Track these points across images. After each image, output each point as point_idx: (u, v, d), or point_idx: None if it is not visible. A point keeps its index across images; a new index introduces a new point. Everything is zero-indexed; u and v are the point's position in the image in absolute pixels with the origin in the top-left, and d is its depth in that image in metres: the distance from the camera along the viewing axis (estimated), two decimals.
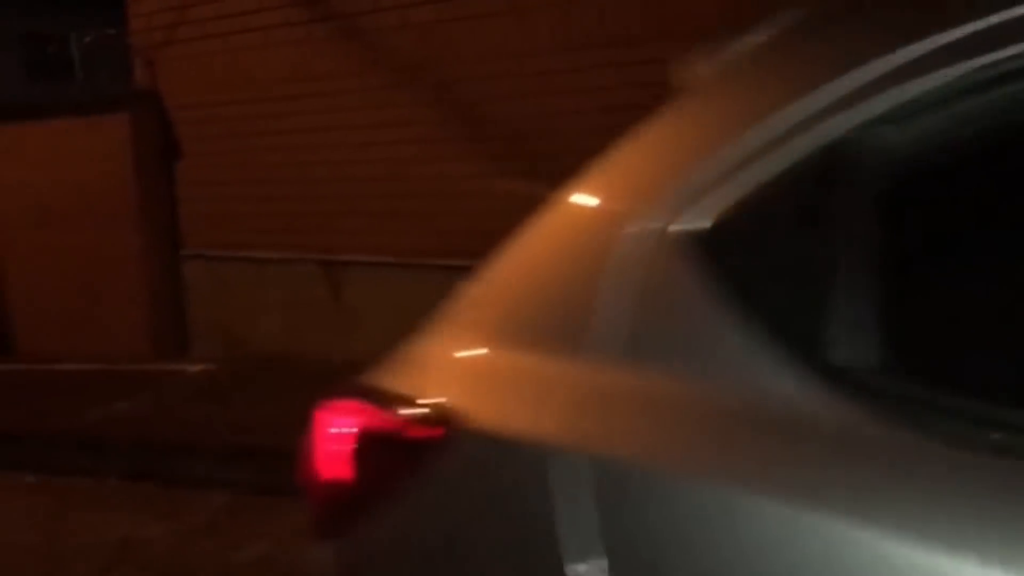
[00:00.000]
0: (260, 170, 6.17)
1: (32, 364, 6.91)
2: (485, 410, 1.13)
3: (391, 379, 1.31)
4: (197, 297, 6.65)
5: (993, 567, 0.76)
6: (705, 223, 1.00)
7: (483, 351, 1.23)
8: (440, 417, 1.14)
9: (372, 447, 1.23)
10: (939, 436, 0.82)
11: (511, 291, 1.26)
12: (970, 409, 0.84)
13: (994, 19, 0.86)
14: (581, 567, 0.95)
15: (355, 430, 1.25)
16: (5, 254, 7.52)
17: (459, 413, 1.12)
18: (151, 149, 6.67)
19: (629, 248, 1.05)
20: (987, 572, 0.76)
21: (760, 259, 0.98)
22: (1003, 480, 0.78)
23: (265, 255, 6.25)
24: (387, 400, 1.24)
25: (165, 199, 6.69)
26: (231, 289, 6.45)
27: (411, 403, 1.19)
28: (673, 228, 1.02)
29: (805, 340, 0.90)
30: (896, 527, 0.79)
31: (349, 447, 1.24)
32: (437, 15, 5.44)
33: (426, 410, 1.17)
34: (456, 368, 1.26)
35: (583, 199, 1.22)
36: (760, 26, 1.14)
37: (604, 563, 0.94)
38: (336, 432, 1.27)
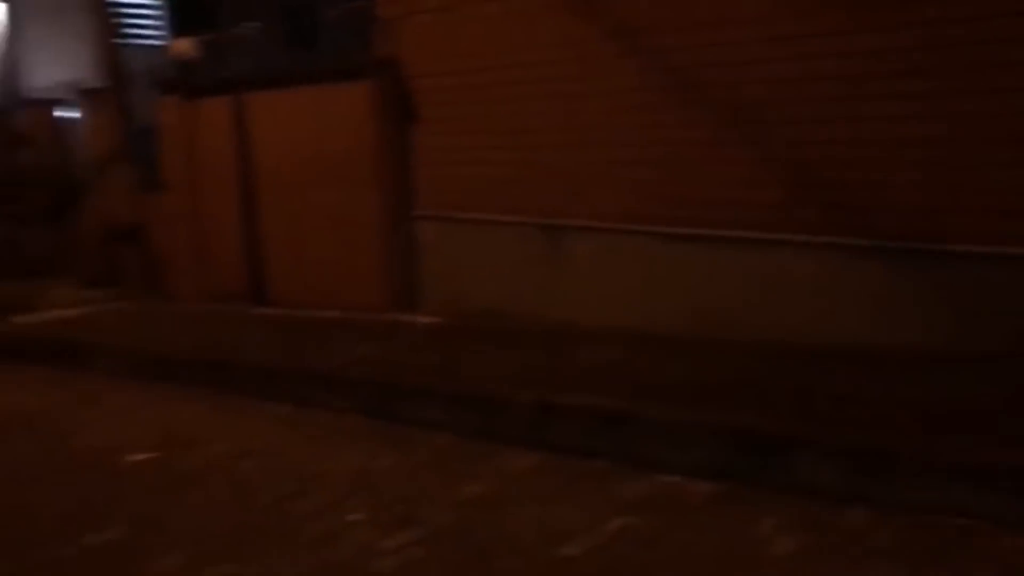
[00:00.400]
0: (490, 136, 6.48)
1: (284, 310, 7.68)
2: None
3: None
4: (428, 255, 7.08)
5: None
6: None
7: None
8: None
9: None
10: None
11: None
12: None
13: None
14: None
15: None
16: (265, 211, 8.34)
17: None
18: (391, 115, 7.13)
19: None
20: None
21: None
22: None
23: (491, 217, 6.57)
24: None
25: (402, 163, 7.15)
26: (459, 249, 6.83)
27: None
28: None
29: None
30: None
31: None
32: None
33: None
34: None
35: None
36: None
37: None
38: None
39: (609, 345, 5.36)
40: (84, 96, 11.12)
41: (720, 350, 5.04)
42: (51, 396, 6.13)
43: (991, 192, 4.56)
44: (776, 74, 5.10)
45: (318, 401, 5.16)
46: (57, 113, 12.05)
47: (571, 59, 5.99)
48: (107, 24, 9.47)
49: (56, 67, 13.57)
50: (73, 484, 4.33)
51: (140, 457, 4.64)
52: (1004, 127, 4.49)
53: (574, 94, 6.00)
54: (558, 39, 6.03)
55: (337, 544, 3.40)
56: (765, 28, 5.13)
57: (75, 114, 11.92)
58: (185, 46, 9.63)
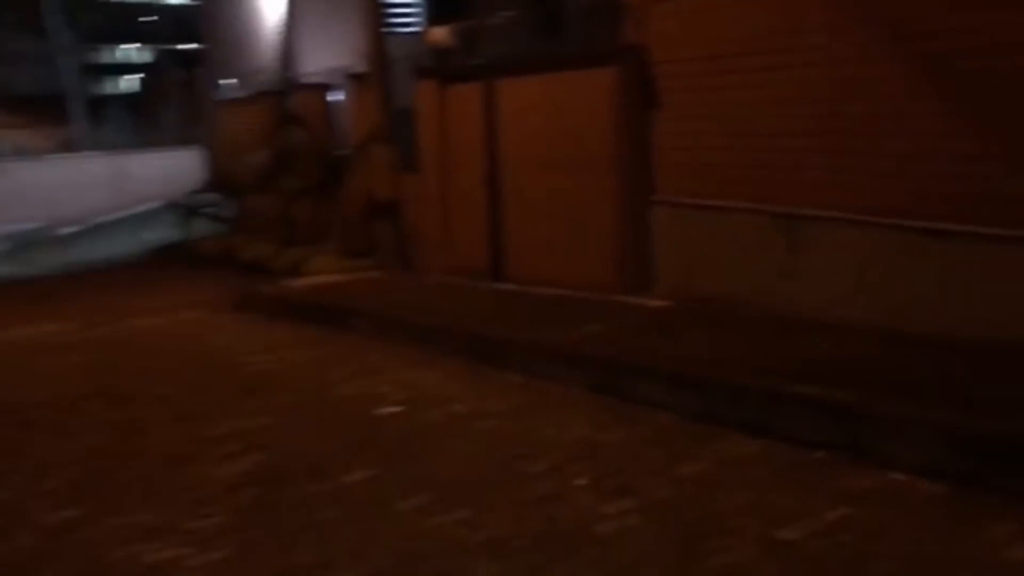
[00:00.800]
0: (730, 124, 6.47)
1: (520, 286, 8.07)
2: None
3: None
4: (662, 240, 7.18)
5: None
6: None
7: None
8: None
9: None
10: None
11: None
12: None
13: None
14: None
15: None
16: (507, 192, 8.76)
17: None
18: (633, 101, 7.27)
19: None
20: None
21: None
22: None
23: (726, 204, 6.56)
24: None
25: (641, 148, 7.27)
26: (692, 235, 6.88)
27: None
28: None
29: None
30: None
31: None
32: None
33: None
34: None
35: None
36: None
37: None
38: None
39: (841, 337, 5.26)
40: (351, 81, 12.08)
41: (960, 348, 4.81)
42: (311, 352, 6.83)
43: None
44: None
45: (548, 373, 5.44)
46: (327, 97, 13.18)
47: (820, 46, 5.87)
48: (374, 14, 10.25)
49: (327, 54, 14.78)
50: (330, 430, 4.86)
51: (389, 410, 5.12)
52: None
53: (821, 80, 5.88)
54: (811, 26, 5.92)
55: (561, 504, 3.64)
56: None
57: (341, 97, 12.98)
58: (441, 34, 10.24)
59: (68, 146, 30.67)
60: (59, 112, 32.40)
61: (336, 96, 13.25)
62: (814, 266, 5.96)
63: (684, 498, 3.64)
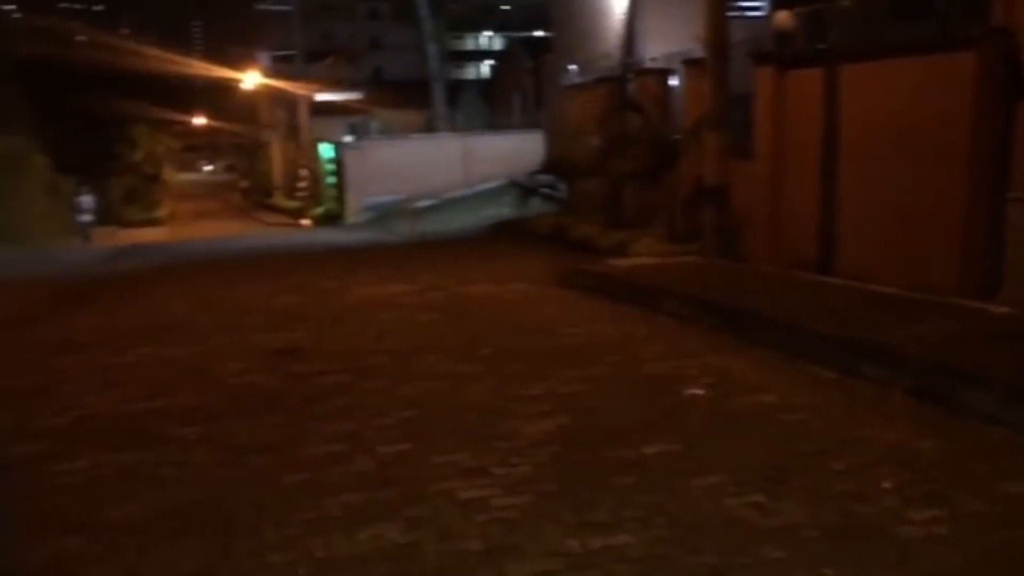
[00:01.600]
0: None
1: (847, 281, 7.70)
2: None
3: None
4: (1016, 242, 6.51)
5: None
6: None
7: None
8: None
9: None
10: None
11: None
12: None
13: None
14: None
15: None
16: (843, 182, 8.37)
17: None
18: (994, 89, 6.65)
19: None
20: None
21: None
22: None
23: None
24: None
25: (999, 140, 6.63)
26: None
27: None
28: None
29: None
30: None
31: None
32: None
33: None
34: None
35: None
36: None
37: None
38: None
39: None
40: (687, 65, 12.12)
41: None
42: (625, 329, 7.02)
43: None
44: None
45: (864, 372, 5.18)
46: (666, 82, 13.31)
47: None
48: (720, 15, 10.13)
49: (668, 39, 14.90)
50: (636, 403, 5.01)
51: (695, 391, 5.17)
52: None
53: None
54: None
55: (861, 503, 3.49)
56: None
57: (677, 82, 13.05)
58: (785, 18, 9.96)
59: (427, 127, 33.57)
60: (422, 96, 35.50)
61: (674, 81, 13.34)
62: None
63: (1005, 517, 3.34)
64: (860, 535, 3.23)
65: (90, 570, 3.30)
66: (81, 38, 38.01)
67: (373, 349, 6.75)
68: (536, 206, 16.72)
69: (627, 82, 14.40)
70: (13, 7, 37.77)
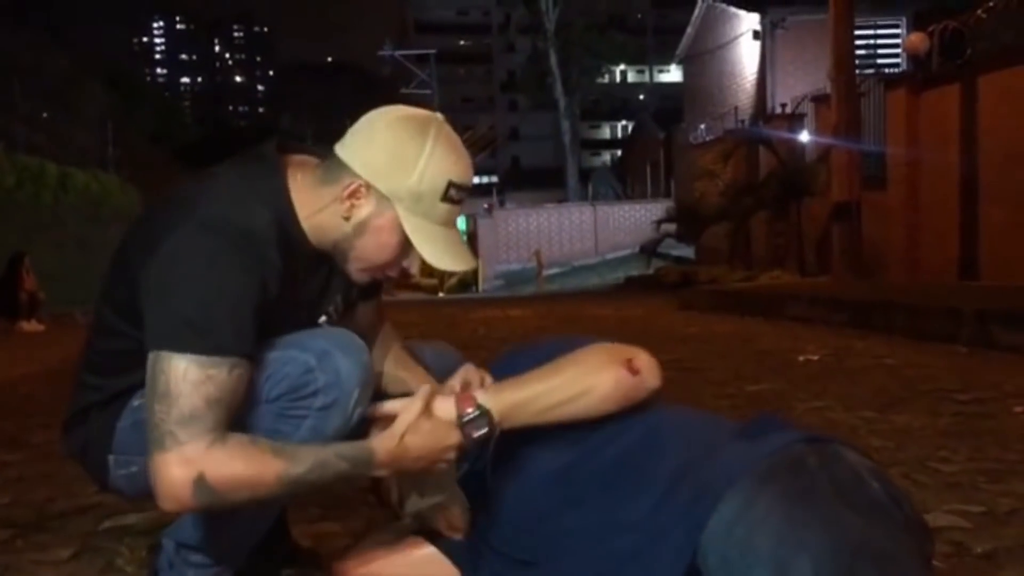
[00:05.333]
0: None
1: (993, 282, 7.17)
2: None
3: None
4: None
5: None
6: None
7: None
8: None
9: None
10: None
11: None
12: None
13: None
14: None
15: None
16: (986, 189, 7.90)
17: None
18: None
19: None
20: None
21: None
22: None
23: None
24: None
25: None
26: None
27: None
28: None
29: None
30: None
31: None
32: None
33: None
34: None
35: None
36: None
37: None
38: None
39: None
40: (817, 102, 11.85)
41: None
42: (745, 325, 6.73)
43: None
44: None
45: (999, 341, 4.73)
46: (791, 124, 13.06)
47: None
48: (845, 36, 9.90)
49: (798, 85, 14.68)
50: (747, 364, 4.73)
51: (810, 357, 4.84)
52: None
53: None
54: None
55: (982, 412, 3.13)
56: None
57: (805, 122, 12.77)
58: (918, 40, 9.64)
59: (559, 200, 34.00)
60: (556, 180, 36.19)
61: (799, 123, 13.08)
62: None
63: None
64: (973, 433, 2.87)
65: None
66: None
67: (471, 333, 6.71)
68: (663, 265, 16.52)
69: (753, 131, 14.20)
70: None
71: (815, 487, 1.19)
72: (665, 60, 49.39)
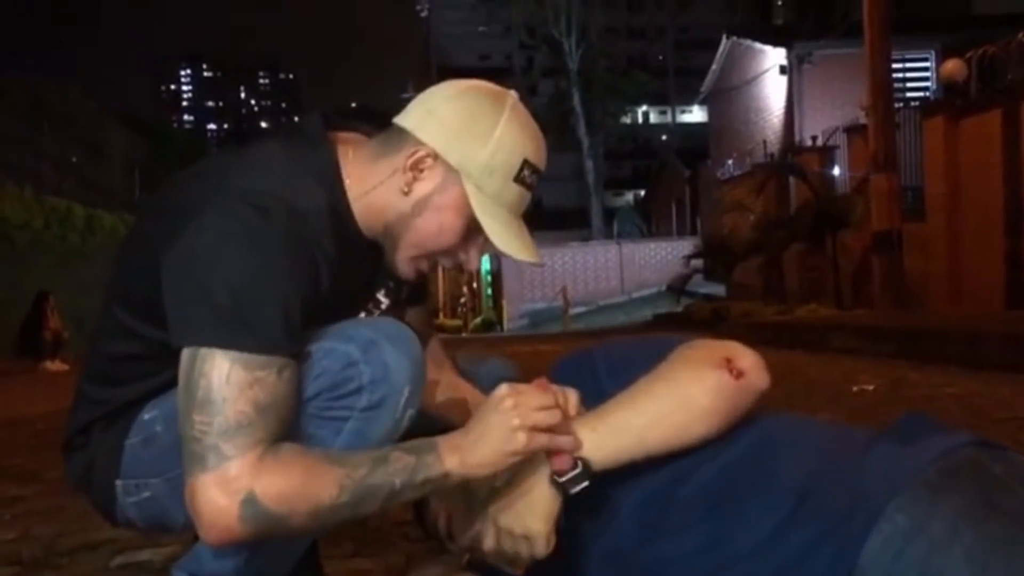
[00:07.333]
0: None
1: None
2: None
3: None
4: None
5: None
6: None
7: None
8: None
9: None
10: None
11: None
12: None
13: None
14: None
15: None
16: None
17: None
18: None
19: None
20: None
21: None
22: None
23: None
24: None
25: None
26: None
27: None
28: None
29: None
30: None
31: None
32: None
33: None
34: None
35: None
36: None
37: None
38: None
39: None
40: (849, 133, 11.65)
41: None
42: (786, 357, 6.43)
43: None
44: None
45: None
46: (823, 156, 12.86)
47: None
48: (880, 65, 9.70)
49: (827, 116, 14.51)
50: (796, 394, 4.48)
51: (864, 387, 4.59)
52: None
53: None
54: None
55: None
56: None
57: (838, 154, 12.57)
58: (955, 67, 9.44)
59: (584, 239, 33.88)
60: (580, 220, 36.09)
61: (831, 155, 12.88)
62: None
63: None
64: None
65: None
66: None
67: None
68: (692, 303, 16.25)
69: (783, 164, 14.00)
70: None
71: (1009, 498, 0.96)
72: (687, 100, 49.65)
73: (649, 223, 35.80)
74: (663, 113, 60.87)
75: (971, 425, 3.29)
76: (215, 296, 1.05)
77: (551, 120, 40.05)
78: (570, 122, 35.51)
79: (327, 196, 1.17)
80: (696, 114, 49.18)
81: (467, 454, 1.08)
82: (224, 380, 1.03)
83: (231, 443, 1.02)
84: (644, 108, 55.23)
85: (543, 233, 40.12)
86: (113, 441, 1.24)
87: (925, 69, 15.68)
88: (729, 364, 1.17)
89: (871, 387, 4.56)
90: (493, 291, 27.98)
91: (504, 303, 26.90)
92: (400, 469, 1.06)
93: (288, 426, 1.07)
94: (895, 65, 11.43)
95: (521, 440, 1.08)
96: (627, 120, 46.91)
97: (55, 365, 10.13)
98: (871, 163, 8.97)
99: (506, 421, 1.08)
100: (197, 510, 1.03)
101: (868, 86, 9.24)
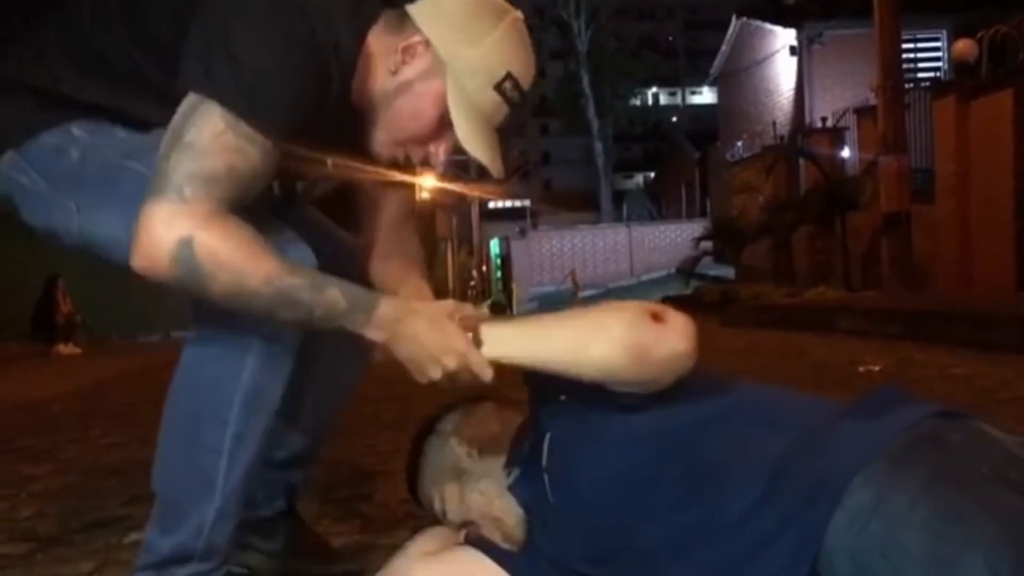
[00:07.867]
0: None
1: None
2: None
3: None
4: None
5: None
6: None
7: None
8: None
9: None
10: None
11: None
12: None
13: None
14: None
15: None
16: None
17: None
18: None
19: None
20: None
21: None
22: None
23: None
24: None
25: None
26: None
27: None
28: None
29: None
30: None
31: None
32: None
33: None
34: None
35: None
36: None
37: None
38: None
39: None
40: (859, 114, 11.59)
41: None
42: (794, 338, 6.49)
43: None
44: None
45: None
46: (832, 137, 12.79)
47: None
48: (890, 44, 9.65)
49: (836, 98, 14.43)
50: (800, 375, 4.51)
51: (870, 368, 4.61)
52: None
53: None
54: None
55: None
56: None
57: (847, 135, 12.50)
58: (966, 47, 9.36)
59: (593, 222, 33.82)
60: (589, 202, 36.02)
61: (841, 136, 12.81)
62: None
63: None
64: None
65: None
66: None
67: None
68: (701, 285, 16.22)
69: (792, 145, 13.93)
70: None
71: (967, 468, 0.98)
72: (697, 82, 49.31)
73: (658, 205, 35.71)
74: (673, 95, 60.46)
75: (976, 405, 3.31)
76: (243, 64, 1.12)
77: (561, 101, 39.95)
78: (579, 104, 35.37)
79: (351, 37, 1.22)
80: (706, 95, 48.87)
81: (394, 343, 1.16)
82: (213, 135, 1.10)
83: (192, 187, 1.09)
84: (654, 90, 54.89)
85: (552, 216, 40.12)
86: (34, 121, 1.26)
87: (936, 49, 15.54)
88: (655, 315, 1.17)
89: (877, 368, 4.58)
90: (503, 274, 27.99)
91: (514, 286, 26.87)
92: (328, 305, 1.13)
93: (243, 204, 1.13)
94: (906, 45, 11.37)
95: (438, 373, 1.16)
96: (636, 102, 46.66)
97: (67, 348, 10.21)
98: (880, 144, 8.92)
99: (446, 337, 1.16)
100: (137, 232, 1.10)
101: (878, 67, 9.18)
